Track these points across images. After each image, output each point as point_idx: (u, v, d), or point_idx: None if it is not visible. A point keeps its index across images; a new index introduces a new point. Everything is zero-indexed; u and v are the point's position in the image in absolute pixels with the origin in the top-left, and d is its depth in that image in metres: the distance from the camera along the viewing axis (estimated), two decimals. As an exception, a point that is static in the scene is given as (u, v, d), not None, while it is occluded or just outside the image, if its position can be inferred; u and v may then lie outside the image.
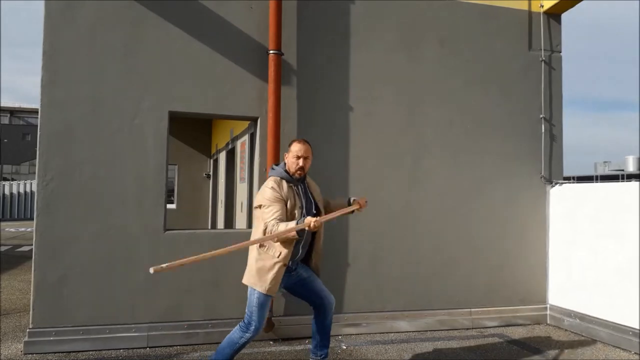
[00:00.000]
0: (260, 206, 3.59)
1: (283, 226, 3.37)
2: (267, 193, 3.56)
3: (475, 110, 5.63)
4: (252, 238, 3.67)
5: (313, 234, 3.74)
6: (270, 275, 3.52)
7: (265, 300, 3.59)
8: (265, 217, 3.49)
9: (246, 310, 3.65)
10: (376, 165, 5.28)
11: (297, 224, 3.35)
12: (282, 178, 3.67)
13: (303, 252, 3.73)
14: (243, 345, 3.63)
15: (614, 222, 5.01)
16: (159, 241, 4.64)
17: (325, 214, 3.77)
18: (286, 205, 3.58)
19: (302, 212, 3.64)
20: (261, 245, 3.56)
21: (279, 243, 3.51)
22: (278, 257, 3.51)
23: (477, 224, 5.58)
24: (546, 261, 5.79)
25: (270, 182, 3.64)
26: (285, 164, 3.77)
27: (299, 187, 3.76)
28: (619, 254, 4.91)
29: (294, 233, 3.35)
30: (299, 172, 3.70)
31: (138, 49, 4.66)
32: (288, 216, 3.57)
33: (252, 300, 3.60)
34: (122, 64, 4.61)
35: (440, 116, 5.51)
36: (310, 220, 3.30)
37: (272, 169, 3.81)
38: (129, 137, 4.61)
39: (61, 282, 4.41)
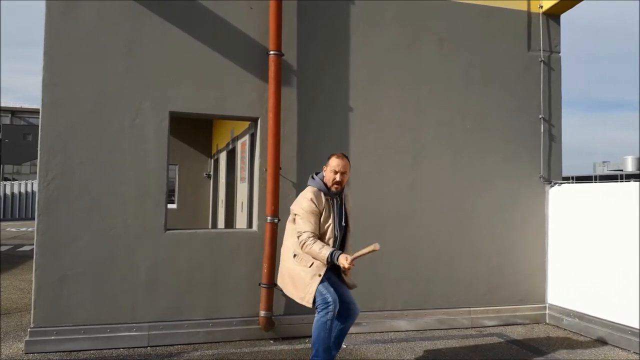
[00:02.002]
0: (296, 214, 3.76)
1: (317, 247, 3.60)
2: (305, 204, 3.71)
3: (475, 110, 5.65)
4: (285, 242, 3.92)
5: (342, 244, 3.88)
6: (310, 288, 3.64)
7: (319, 286, 3.62)
8: (299, 227, 3.70)
9: (315, 300, 3.66)
10: (376, 165, 5.30)
11: (331, 254, 3.55)
12: (320, 190, 3.76)
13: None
14: (333, 320, 3.63)
15: (613, 222, 5.02)
16: (159, 241, 4.66)
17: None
18: (320, 218, 3.71)
19: (334, 227, 3.78)
20: (295, 255, 3.75)
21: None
22: (310, 267, 3.66)
23: (477, 223, 5.60)
24: (545, 261, 5.81)
25: (309, 192, 3.75)
26: (323, 175, 3.85)
27: (335, 200, 3.84)
28: (618, 254, 4.93)
29: (323, 258, 3.57)
30: (335, 186, 3.78)
31: (139, 49, 4.68)
32: (320, 229, 3.72)
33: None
34: (122, 64, 4.63)
35: (439, 116, 5.52)
36: (344, 262, 3.48)
37: (312, 178, 3.88)
38: (130, 137, 4.63)
39: (62, 282, 4.43)
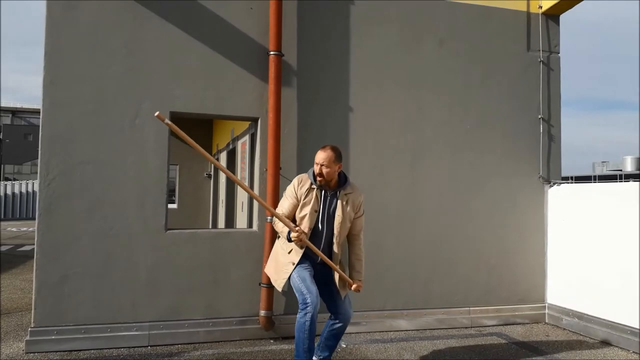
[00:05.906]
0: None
1: (281, 225, 3.72)
2: (288, 187, 3.87)
3: (474, 110, 5.65)
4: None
5: (330, 246, 3.83)
6: (283, 274, 3.74)
7: (298, 274, 3.64)
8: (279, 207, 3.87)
9: (295, 293, 3.65)
10: (376, 164, 5.31)
11: (289, 232, 3.63)
12: (309, 177, 3.82)
13: (316, 257, 3.77)
14: (312, 323, 3.48)
15: (612, 221, 5.03)
16: (160, 240, 4.67)
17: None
18: (298, 202, 3.76)
19: (316, 216, 3.77)
20: (279, 237, 3.91)
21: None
22: (289, 253, 3.73)
23: (476, 223, 5.61)
24: (544, 260, 5.81)
25: (295, 178, 3.87)
26: None
27: (326, 192, 3.79)
28: (617, 254, 4.94)
29: (283, 233, 3.72)
30: (319, 178, 3.75)
31: (139, 49, 4.69)
32: (298, 212, 3.75)
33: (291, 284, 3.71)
34: (123, 64, 4.64)
35: (439, 116, 5.53)
36: (294, 235, 3.56)
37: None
38: (130, 137, 4.64)
39: (63, 281, 4.44)
